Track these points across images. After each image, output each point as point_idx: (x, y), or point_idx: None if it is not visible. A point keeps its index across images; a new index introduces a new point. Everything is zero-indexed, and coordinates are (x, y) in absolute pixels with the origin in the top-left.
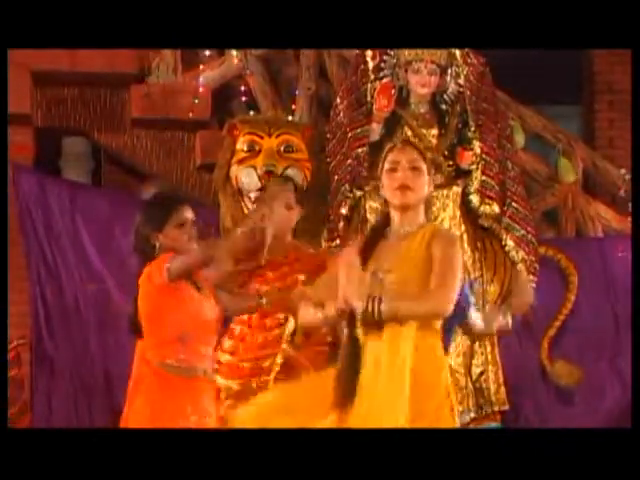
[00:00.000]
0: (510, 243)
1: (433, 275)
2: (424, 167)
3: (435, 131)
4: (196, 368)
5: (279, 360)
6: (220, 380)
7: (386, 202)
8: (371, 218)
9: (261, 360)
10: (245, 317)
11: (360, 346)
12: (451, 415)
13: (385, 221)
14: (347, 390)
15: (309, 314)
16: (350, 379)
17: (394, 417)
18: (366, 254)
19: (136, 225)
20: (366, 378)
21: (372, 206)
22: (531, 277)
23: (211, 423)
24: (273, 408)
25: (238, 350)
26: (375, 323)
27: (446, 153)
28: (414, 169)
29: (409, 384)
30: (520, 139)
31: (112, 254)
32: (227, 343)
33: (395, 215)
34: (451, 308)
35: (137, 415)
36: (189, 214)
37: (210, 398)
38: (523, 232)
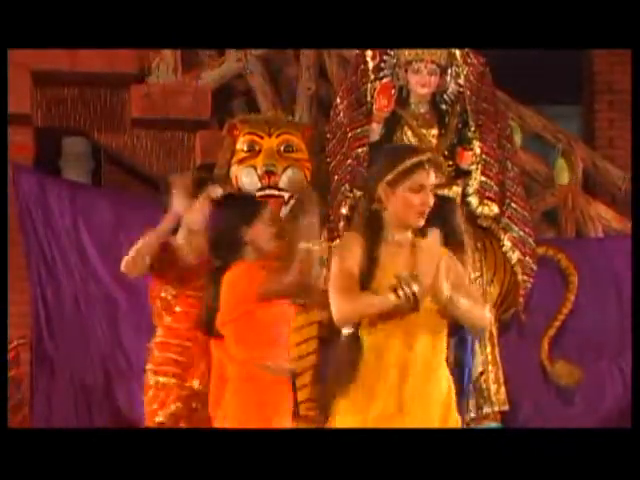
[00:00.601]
0: (507, 243)
1: (463, 293)
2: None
3: (435, 131)
4: (287, 369)
5: None
6: None
7: (380, 202)
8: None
9: None
10: None
11: (361, 345)
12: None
13: (378, 225)
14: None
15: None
16: (347, 377)
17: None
18: (372, 261)
19: (217, 223)
20: (387, 382)
21: (366, 207)
22: (526, 278)
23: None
24: None
25: None
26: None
27: (446, 153)
28: (433, 193)
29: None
30: (518, 139)
31: (112, 254)
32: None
33: (396, 227)
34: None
35: (230, 415)
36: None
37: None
38: (521, 233)
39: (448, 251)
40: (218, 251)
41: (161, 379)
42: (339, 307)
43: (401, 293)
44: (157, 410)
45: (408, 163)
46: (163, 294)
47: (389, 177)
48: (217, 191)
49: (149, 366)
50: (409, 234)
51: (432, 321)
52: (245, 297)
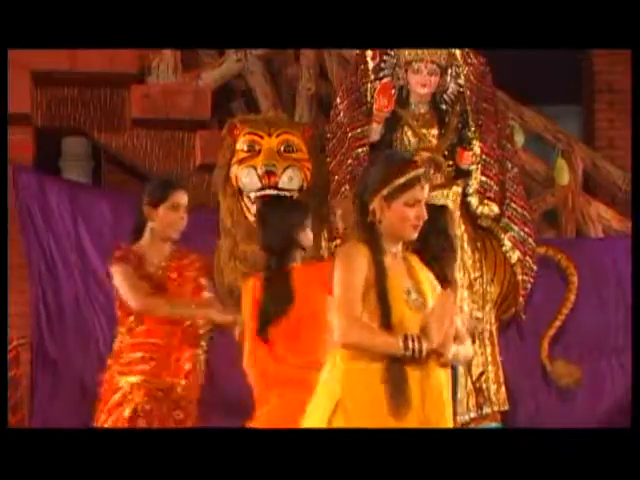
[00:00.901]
0: (507, 243)
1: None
2: None
3: (435, 131)
4: None
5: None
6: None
7: (374, 215)
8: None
9: None
10: None
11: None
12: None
13: (377, 233)
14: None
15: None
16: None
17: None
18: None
19: (271, 226)
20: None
21: (361, 220)
22: (526, 278)
23: None
24: None
25: None
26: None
27: (446, 153)
28: (425, 206)
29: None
30: (520, 139)
31: (112, 253)
32: None
33: (390, 239)
34: None
35: (274, 414)
36: (183, 200)
37: None
38: (521, 232)
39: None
40: (272, 254)
41: (132, 379)
42: (345, 331)
43: (410, 346)
44: (122, 411)
45: (404, 179)
46: None
47: (385, 192)
48: (183, 198)
49: (116, 367)
50: (400, 246)
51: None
52: (316, 299)
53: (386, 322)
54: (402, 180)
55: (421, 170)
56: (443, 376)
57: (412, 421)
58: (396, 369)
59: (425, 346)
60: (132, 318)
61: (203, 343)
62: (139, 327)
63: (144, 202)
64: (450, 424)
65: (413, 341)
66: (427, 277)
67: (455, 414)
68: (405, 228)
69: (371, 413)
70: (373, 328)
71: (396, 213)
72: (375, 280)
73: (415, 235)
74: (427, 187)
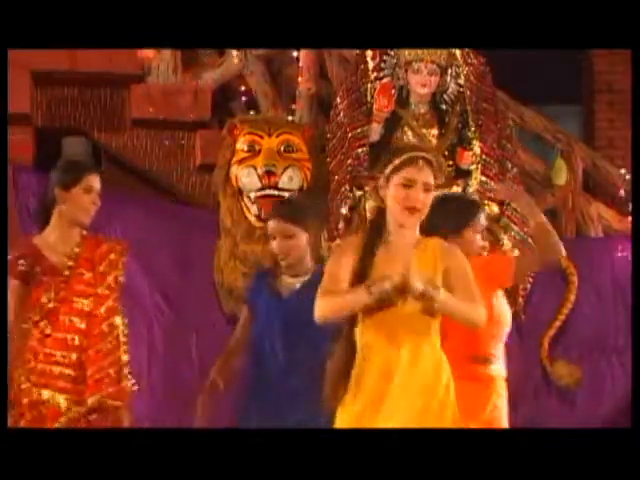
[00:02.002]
0: (507, 243)
1: (459, 292)
2: (433, 186)
3: (435, 131)
4: None
5: None
6: None
7: (381, 199)
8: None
9: None
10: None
11: (354, 346)
12: (452, 417)
13: (379, 225)
14: (340, 386)
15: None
16: (343, 377)
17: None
18: (367, 262)
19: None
20: (371, 381)
21: (372, 206)
22: (525, 278)
23: None
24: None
25: None
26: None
27: (446, 153)
28: (426, 190)
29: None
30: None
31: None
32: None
33: (395, 226)
34: (485, 321)
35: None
36: (96, 184)
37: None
38: (521, 232)
39: (450, 248)
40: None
41: (44, 393)
42: (318, 305)
43: (374, 290)
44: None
45: (402, 158)
46: (44, 300)
47: (386, 172)
48: (97, 181)
49: (33, 378)
50: (408, 234)
51: (416, 322)
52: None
53: None
54: (400, 159)
55: (420, 152)
56: (417, 347)
57: (360, 403)
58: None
59: (388, 284)
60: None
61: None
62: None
63: (54, 184)
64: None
65: (375, 284)
66: (433, 274)
67: None
68: (399, 211)
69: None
70: (339, 294)
71: (392, 194)
72: (359, 270)
73: (410, 221)
74: (428, 171)
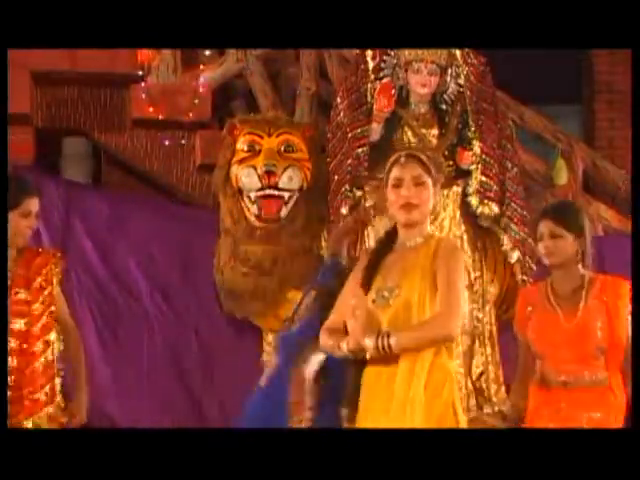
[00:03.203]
0: (507, 243)
1: (438, 296)
2: (429, 180)
3: (435, 131)
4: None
5: None
6: None
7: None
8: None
9: None
10: None
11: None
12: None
13: (392, 234)
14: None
15: (327, 344)
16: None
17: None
18: (373, 270)
19: None
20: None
21: (383, 225)
22: (526, 278)
23: None
24: None
25: None
26: (387, 357)
27: (446, 153)
28: (418, 185)
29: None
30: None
31: (111, 253)
32: None
33: (400, 229)
34: (458, 332)
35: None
36: (35, 207)
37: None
38: (521, 233)
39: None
40: None
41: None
42: (320, 339)
43: (342, 348)
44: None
45: (388, 162)
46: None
47: (384, 183)
48: (36, 205)
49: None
50: (413, 235)
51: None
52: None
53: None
54: (387, 164)
55: (403, 151)
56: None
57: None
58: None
59: (393, 340)
60: None
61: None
62: None
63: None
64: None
65: (381, 339)
66: (424, 277)
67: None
68: (397, 211)
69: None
70: (332, 331)
71: (389, 199)
72: (367, 275)
73: (408, 218)
74: (413, 166)
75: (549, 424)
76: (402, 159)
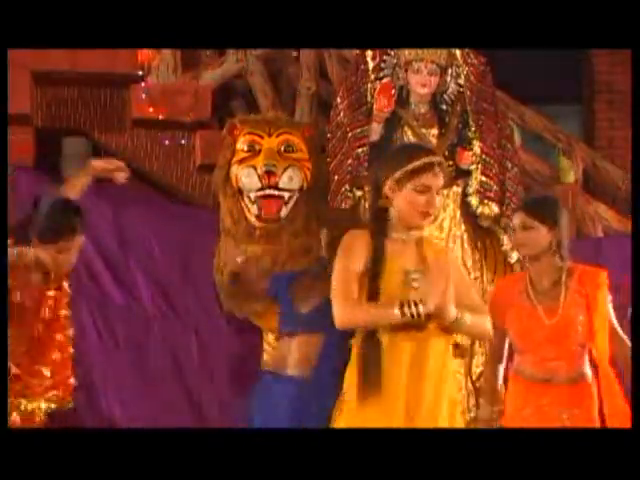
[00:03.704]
0: (507, 243)
1: (468, 298)
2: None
3: (435, 131)
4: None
5: None
6: None
7: (387, 198)
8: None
9: None
10: None
11: (380, 345)
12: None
13: (383, 221)
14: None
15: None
16: (373, 377)
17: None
18: (379, 257)
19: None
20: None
21: (374, 204)
22: None
23: None
24: None
25: None
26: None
27: (446, 153)
28: (438, 194)
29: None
30: (517, 139)
31: (111, 253)
32: None
33: (402, 226)
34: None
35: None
36: (76, 244)
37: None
38: None
39: (456, 261)
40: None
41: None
42: (339, 312)
43: (407, 312)
44: None
45: (418, 163)
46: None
47: (397, 175)
48: (75, 242)
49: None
50: (414, 233)
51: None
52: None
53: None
54: (412, 165)
55: (435, 158)
56: (443, 345)
57: (393, 396)
58: (369, 349)
59: (422, 308)
60: None
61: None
62: None
63: (33, 231)
64: (449, 397)
65: (409, 306)
66: (439, 291)
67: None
68: (413, 215)
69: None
70: (367, 304)
71: (406, 198)
72: (372, 264)
73: (424, 223)
74: (441, 176)
75: (531, 421)
76: (436, 168)
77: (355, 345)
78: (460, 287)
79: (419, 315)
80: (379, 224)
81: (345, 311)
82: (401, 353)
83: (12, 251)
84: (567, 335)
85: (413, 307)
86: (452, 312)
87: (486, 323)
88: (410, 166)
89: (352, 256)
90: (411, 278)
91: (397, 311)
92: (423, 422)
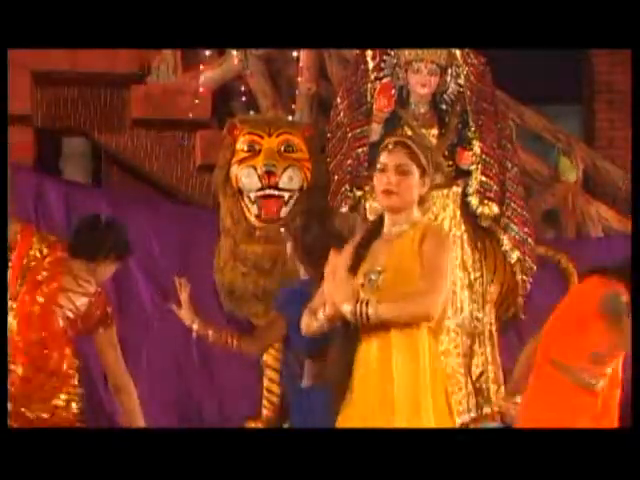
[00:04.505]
0: (507, 243)
1: (421, 276)
2: (414, 169)
3: (435, 131)
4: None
5: None
6: None
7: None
8: (371, 218)
9: None
10: None
11: (355, 342)
12: (450, 416)
13: (380, 221)
14: (343, 383)
15: (309, 323)
16: (345, 373)
17: (385, 418)
18: (360, 255)
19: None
20: (359, 378)
21: (372, 206)
22: (525, 278)
23: None
24: None
25: None
26: (364, 326)
27: (446, 153)
28: (401, 173)
29: (397, 385)
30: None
31: None
32: None
33: (387, 216)
34: (438, 311)
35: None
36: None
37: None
38: (521, 233)
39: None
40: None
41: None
42: (302, 320)
43: (318, 317)
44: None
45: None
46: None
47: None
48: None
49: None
50: (398, 222)
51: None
52: None
53: None
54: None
55: (393, 138)
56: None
57: (356, 405)
58: (342, 348)
59: (371, 310)
60: None
61: None
62: None
63: (73, 245)
64: (405, 404)
65: (361, 306)
66: (410, 263)
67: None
68: (378, 195)
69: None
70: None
71: (375, 183)
72: (354, 262)
73: (386, 203)
74: (401, 154)
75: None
76: (390, 145)
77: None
78: (427, 257)
79: (367, 317)
80: (372, 228)
81: (302, 319)
82: (368, 352)
83: None
84: None
85: (364, 307)
86: (345, 307)
87: (420, 305)
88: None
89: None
90: (370, 280)
91: (347, 307)
92: (403, 421)
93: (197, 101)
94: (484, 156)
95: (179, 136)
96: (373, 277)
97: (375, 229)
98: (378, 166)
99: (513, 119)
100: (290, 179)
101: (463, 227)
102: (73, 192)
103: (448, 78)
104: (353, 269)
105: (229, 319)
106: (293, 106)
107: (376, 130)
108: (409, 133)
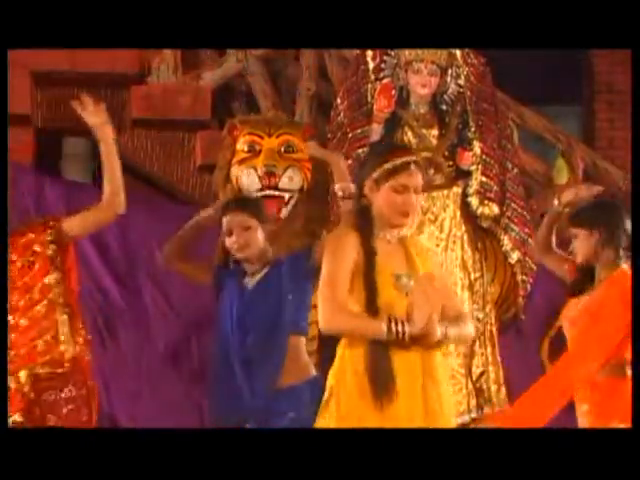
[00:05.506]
0: (507, 243)
1: (452, 310)
2: (421, 186)
3: (435, 131)
4: None
5: None
6: None
7: (366, 197)
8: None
9: None
10: None
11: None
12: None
13: (369, 220)
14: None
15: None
16: (386, 381)
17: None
18: (371, 254)
19: None
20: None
21: (355, 204)
22: (526, 278)
23: None
24: None
25: None
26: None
27: (446, 153)
28: (417, 193)
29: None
30: (515, 138)
31: (111, 253)
32: None
33: (385, 225)
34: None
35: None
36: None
37: None
38: (521, 233)
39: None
40: None
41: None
42: (325, 317)
43: (394, 329)
44: None
45: (394, 163)
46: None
47: (375, 174)
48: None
49: None
50: (396, 232)
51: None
52: None
53: (372, 306)
54: (390, 164)
55: (412, 157)
56: (437, 357)
57: (401, 408)
58: (378, 355)
59: (408, 329)
60: None
61: None
62: None
63: None
64: (449, 406)
65: (397, 324)
66: (427, 264)
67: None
68: (392, 214)
69: (358, 401)
70: (355, 313)
71: (384, 199)
72: (363, 264)
73: (405, 223)
74: (419, 176)
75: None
76: (411, 167)
77: (346, 354)
78: (445, 299)
79: (404, 334)
80: (365, 222)
81: (332, 316)
82: (410, 361)
83: None
84: None
85: (400, 326)
86: (437, 334)
87: (466, 330)
88: (387, 166)
89: (340, 258)
90: (402, 283)
91: (384, 326)
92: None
93: (197, 101)
94: (484, 156)
95: (179, 136)
96: (404, 281)
97: (368, 231)
98: (393, 186)
99: (513, 119)
100: (290, 179)
101: (463, 227)
102: (73, 192)
103: (448, 78)
104: (369, 270)
105: None
106: (293, 106)
107: (376, 131)
108: (409, 134)
